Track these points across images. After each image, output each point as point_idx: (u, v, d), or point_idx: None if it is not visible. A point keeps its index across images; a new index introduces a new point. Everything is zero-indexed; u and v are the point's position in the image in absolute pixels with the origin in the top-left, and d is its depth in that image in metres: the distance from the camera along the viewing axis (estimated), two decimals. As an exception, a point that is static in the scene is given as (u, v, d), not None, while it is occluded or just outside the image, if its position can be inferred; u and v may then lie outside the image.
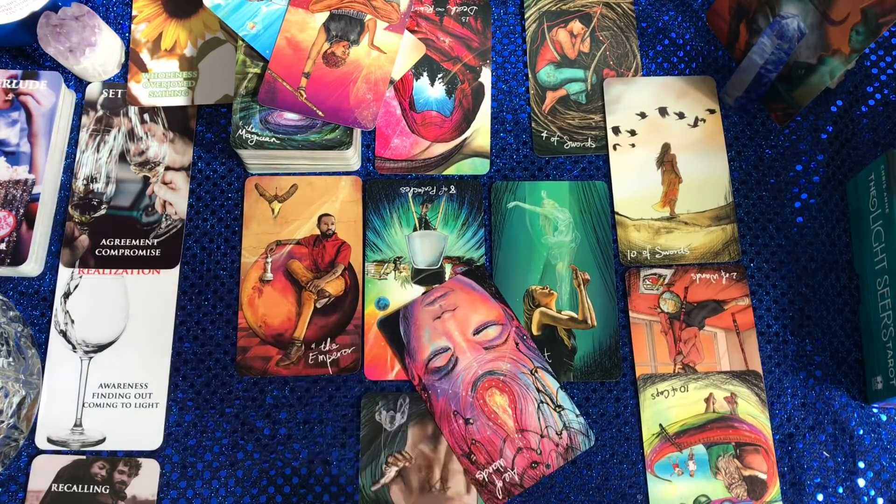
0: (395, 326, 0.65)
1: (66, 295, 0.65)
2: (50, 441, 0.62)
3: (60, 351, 0.64)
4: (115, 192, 0.68)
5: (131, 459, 0.62)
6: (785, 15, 0.63)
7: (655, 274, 0.67)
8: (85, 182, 0.68)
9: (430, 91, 0.72)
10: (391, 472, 0.61)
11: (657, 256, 0.67)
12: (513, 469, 0.61)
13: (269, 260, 0.66)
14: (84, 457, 0.62)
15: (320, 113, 0.65)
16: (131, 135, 0.70)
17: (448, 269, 0.67)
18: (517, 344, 0.64)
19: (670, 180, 0.69)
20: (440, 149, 0.70)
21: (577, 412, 0.63)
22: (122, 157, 0.69)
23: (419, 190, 0.68)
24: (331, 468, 0.62)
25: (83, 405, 0.63)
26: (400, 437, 0.62)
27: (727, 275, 0.67)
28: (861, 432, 0.63)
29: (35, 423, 0.62)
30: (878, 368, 0.62)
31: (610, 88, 0.72)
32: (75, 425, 0.62)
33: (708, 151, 0.70)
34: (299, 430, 0.63)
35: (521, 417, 0.62)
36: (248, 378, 0.64)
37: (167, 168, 0.69)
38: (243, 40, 0.67)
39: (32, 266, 0.65)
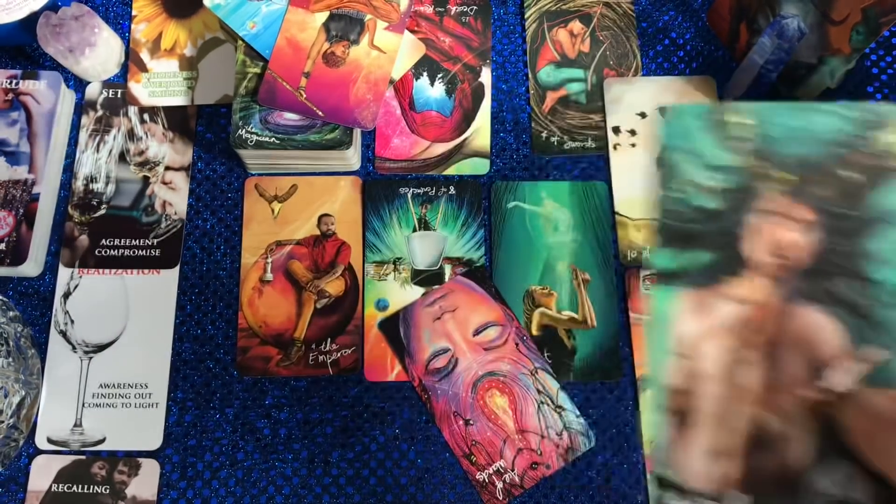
0: (396, 327, 0.65)
1: (66, 295, 0.65)
2: (50, 441, 0.62)
3: (60, 351, 0.64)
4: (115, 192, 0.68)
5: (131, 459, 0.62)
6: (785, 15, 0.62)
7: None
8: (85, 182, 0.68)
9: (430, 91, 0.72)
10: None
11: (657, 257, 0.67)
12: (513, 470, 0.61)
13: (270, 260, 0.66)
14: (84, 457, 0.62)
15: (320, 113, 0.65)
16: (131, 135, 0.70)
17: (448, 269, 0.66)
18: (517, 345, 0.64)
19: (670, 180, 0.69)
20: (440, 149, 0.70)
21: (578, 413, 0.63)
22: (122, 157, 0.69)
23: (418, 190, 0.68)
24: (331, 468, 0.62)
25: (83, 405, 0.63)
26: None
27: (727, 275, 0.67)
28: (861, 433, 0.63)
29: (35, 423, 0.62)
30: (879, 369, 0.62)
31: (610, 88, 0.72)
32: (75, 425, 0.62)
33: (708, 151, 0.70)
34: (299, 431, 0.63)
35: (522, 418, 0.62)
36: (248, 378, 0.64)
37: (167, 168, 0.69)
38: (243, 40, 0.67)
39: (32, 266, 0.65)
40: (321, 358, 0.64)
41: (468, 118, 0.71)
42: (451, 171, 0.70)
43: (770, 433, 0.26)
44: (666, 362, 0.28)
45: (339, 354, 0.64)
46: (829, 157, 0.28)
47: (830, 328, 0.27)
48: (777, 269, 0.28)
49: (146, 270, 0.66)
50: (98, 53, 0.68)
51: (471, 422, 0.62)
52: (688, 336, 0.28)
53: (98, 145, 0.69)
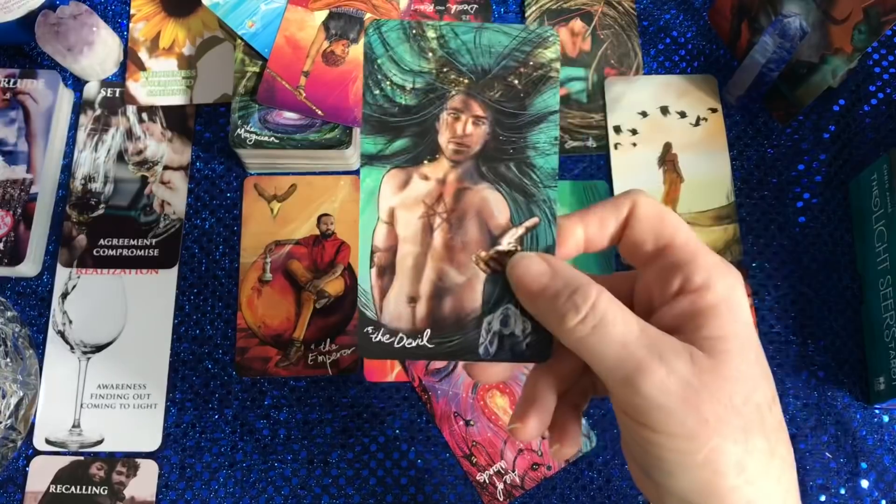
0: (395, 327, 0.64)
1: (64, 295, 0.65)
2: (48, 442, 0.62)
3: (58, 351, 0.64)
4: (113, 192, 0.68)
5: (130, 460, 0.61)
6: (787, 14, 0.62)
7: (656, 274, 0.66)
8: (83, 181, 0.68)
9: (430, 90, 0.71)
10: None
11: (658, 256, 0.67)
12: (514, 471, 0.61)
13: (269, 260, 0.66)
14: (82, 458, 0.61)
15: (320, 112, 0.65)
16: (129, 134, 0.69)
17: (448, 269, 0.66)
18: (517, 344, 0.64)
19: (672, 180, 0.69)
20: (440, 148, 0.70)
21: (578, 413, 0.63)
22: (121, 157, 0.69)
23: (419, 189, 0.68)
24: (330, 469, 0.62)
25: (81, 406, 0.63)
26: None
27: (729, 275, 0.66)
28: (864, 433, 0.63)
29: (33, 424, 0.62)
30: (881, 369, 0.62)
31: (611, 87, 0.72)
32: (73, 426, 0.62)
33: (709, 151, 0.70)
34: (299, 431, 0.63)
35: (522, 419, 0.62)
36: (247, 379, 0.64)
37: (165, 167, 0.69)
38: (242, 39, 0.67)
39: (30, 266, 0.65)
40: (321, 358, 0.64)
41: (468, 117, 0.71)
42: (451, 170, 0.69)
43: (450, 283, 0.35)
44: (373, 227, 0.36)
45: (338, 355, 0.64)
46: (500, 66, 0.36)
47: (499, 201, 0.36)
48: (456, 154, 0.36)
49: (145, 270, 0.66)
50: (96, 52, 0.68)
51: (471, 422, 0.62)
52: (390, 206, 0.36)
53: (96, 145, 0.69)
